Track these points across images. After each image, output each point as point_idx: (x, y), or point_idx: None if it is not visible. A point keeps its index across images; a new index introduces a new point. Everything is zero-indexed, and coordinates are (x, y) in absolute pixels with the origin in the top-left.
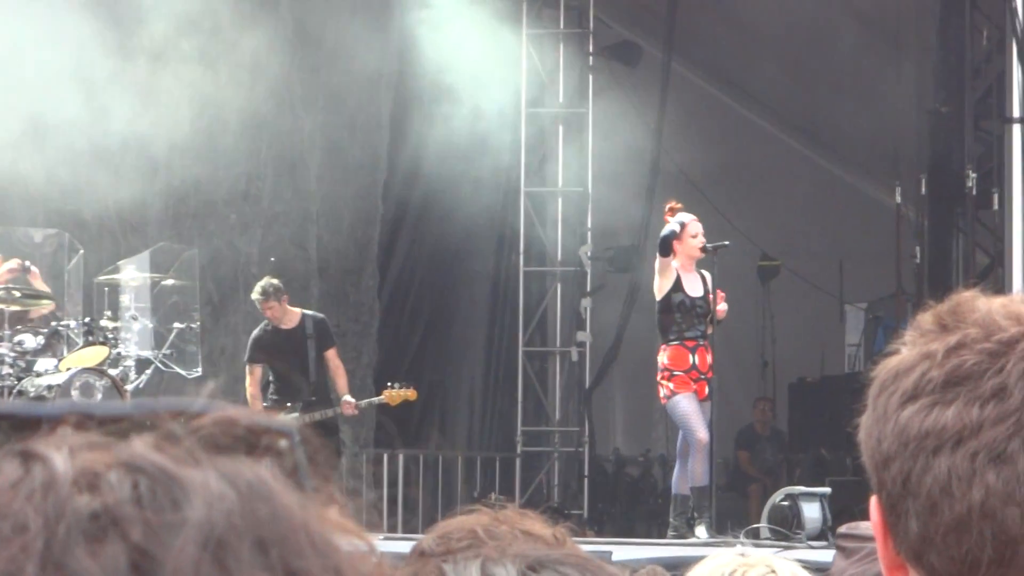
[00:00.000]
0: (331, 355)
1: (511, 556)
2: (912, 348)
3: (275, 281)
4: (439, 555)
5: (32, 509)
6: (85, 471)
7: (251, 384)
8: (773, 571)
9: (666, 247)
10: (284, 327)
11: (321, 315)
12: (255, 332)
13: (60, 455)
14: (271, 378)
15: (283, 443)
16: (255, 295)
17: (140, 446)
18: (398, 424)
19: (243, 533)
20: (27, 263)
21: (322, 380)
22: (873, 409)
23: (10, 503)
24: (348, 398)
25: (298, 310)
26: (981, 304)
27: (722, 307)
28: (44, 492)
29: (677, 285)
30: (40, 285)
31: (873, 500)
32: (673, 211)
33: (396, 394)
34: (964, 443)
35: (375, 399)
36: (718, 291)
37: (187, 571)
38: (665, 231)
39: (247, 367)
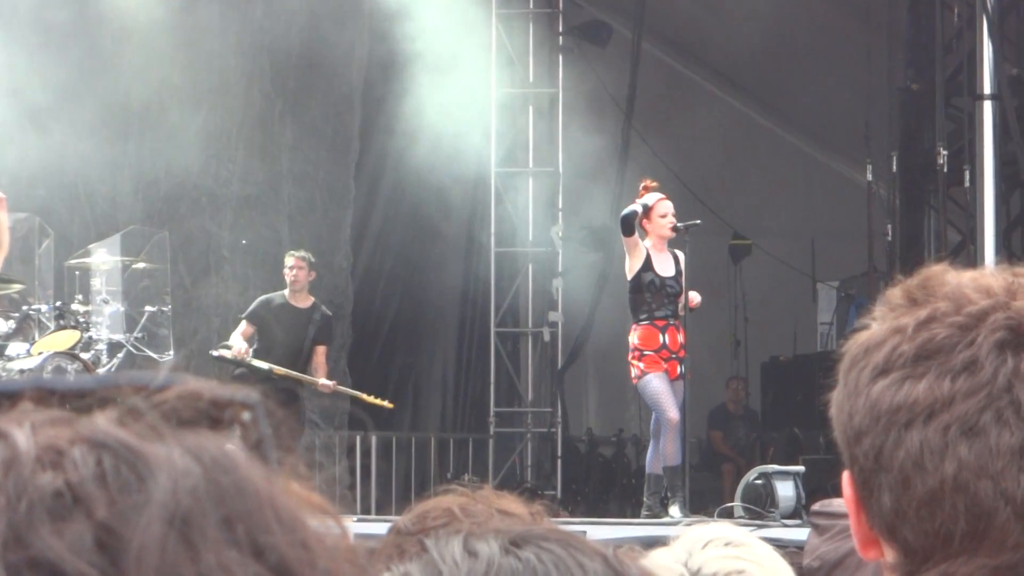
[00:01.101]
0: (321, 351)
1: (493, 531)
2: (882, 323)
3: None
4: (415, 533)
5: None
6: (48, 448)
7: (239, 335)
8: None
9: (628, 227)
10: (295, 304)
11: (330, 313)
12: (267, 295)
13: (22, 432)
14: (257, 344)
15: (246, 415)
16: (296, 252)
17: (103, 422)
18: (371, 406)
19: (208, 509)
20: None
21: (303, 368)
22: (844, 384)
23: None
24: (326, 381)
25: (311, 297)
26: (951, 278)
27: (695, 297)
28: (5, 470)
29: (647, 265)
30: (4, 218)
31: (845, 475)
32: (647, 189)
33: (373, 398)
34: (936, 416)
35: (353, 391)
36: (691, 295)
37: (153, 548)
38: (625, 211)
39: (243, 321)
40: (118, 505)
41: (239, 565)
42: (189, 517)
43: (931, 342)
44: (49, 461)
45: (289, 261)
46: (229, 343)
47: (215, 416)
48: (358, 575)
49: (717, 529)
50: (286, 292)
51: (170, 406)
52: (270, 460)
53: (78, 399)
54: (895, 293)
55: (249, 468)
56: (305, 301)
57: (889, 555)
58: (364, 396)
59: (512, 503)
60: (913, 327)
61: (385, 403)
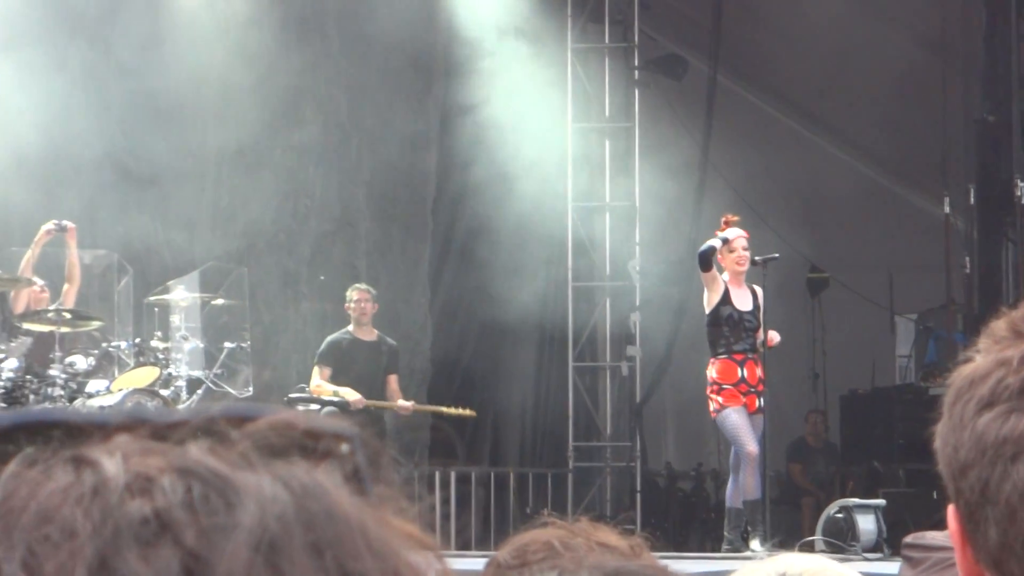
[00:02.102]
0: (393, 380)
1: (588, 567)
2: (987, 355)
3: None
4: (515, 567)
5: (81, 514)
6: (138, 476)
7: (321, 381)
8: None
9: (705, 262)
10: (363, 338)
11: (395, 342)
12: (334, 336)
13: (112, 460)
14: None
15: (344, 447)
16: (360, 285)
17: (194, 451)
18: (450, 442)
19: (296, 535)
20: (63, 222)
21: (381, 399)
22: (949, 417)
23: (59, 508)
24: (404, 403)
25: (375, 329)
26: None
27: (774, 336)
28: (93, 497)
29: (725, 298)
30: (74, 248)
31: (950, 508)
32: (728, 223)
33: (453, 410)
34: None
35: (432, 407)
36: (771, 335)
37: (239, 574)
38: (704, 246)
39: (317, 367)
40: (205, 531)
41: None
42: (276, 543)
43: None
44: (138, 489)
45: (353, 295)
46: (314, 389)
47: (311, 447)
48: None
49: (806, 558)
50: (351, 328)
51: (262, 436)
52: (368, 492)
53: (170, 430)
54: (1000, 325)
55: (340, 496)
56: (371, 334)
57: None
58: (444, 409)
59: (610, 536)
60: (1018, 360)
61: (466, 412)
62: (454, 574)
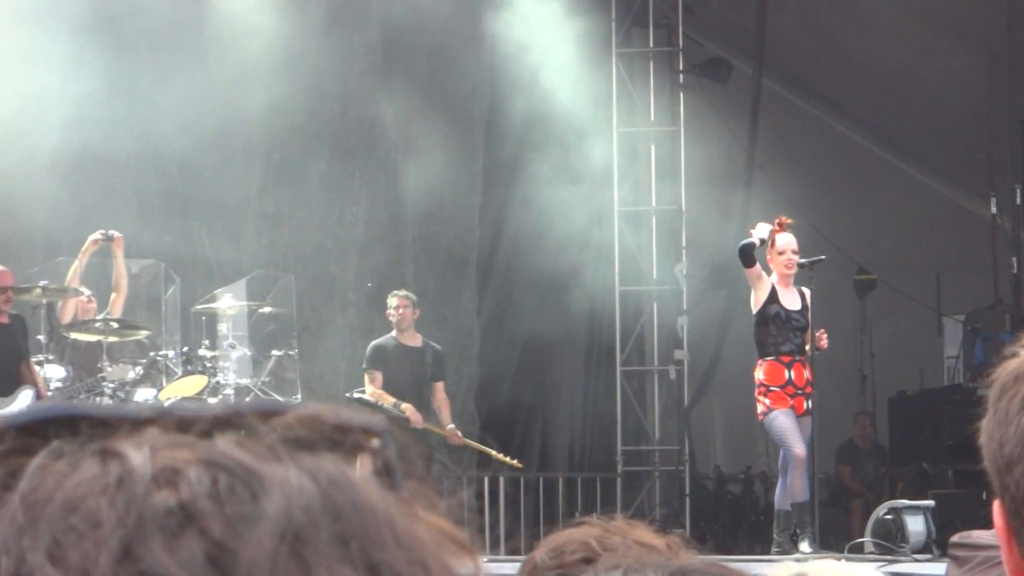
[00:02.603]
0: (439, 387)
1: (652, 565)
2: None
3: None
4: (552, 568)
5: (107, 504)
6: (164, 468)
7: (375, 387)
8: None
9: (746, 257)
10: (407, 343)
11: (440, 347)
12: (378, 341)
13: (139, 452)
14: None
15: (375, 442)
16: (399, 292)
17: (222, 444)
18: (499, 446)
19: (322, 526)
20: (110, 231)
21: (427, 407)
22: (994, 413)
23: (85, 499)
24: (453, 427)
25: (419, 335)
26: None
27: (823, 336)
28: (119, 487)
29: (773, 297)
30: (121, 258)
31: (996, 504)
32: (782, 225)
33: (501, 456)
34: None
35: (483, 447)
36: (821, 334)
37: (264, 564)
38: (743, 242)
39: (367, 373)
40: (231, 521)
41: None
42: (302, 533)
43: None
44: (164, 480)
45: (393, 301)
46: (375, 395)
47: (340, 440)
48: None
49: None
50: (394, 333)
51: (289, 429)
52: (399, 487)
53: (199, 425)
54: None
55: (367, 488)
56: (415, 339)
57: None
58: (492, 452)
59: (647, 534)
60: None
61: (514, 462)
62: (487, 572)
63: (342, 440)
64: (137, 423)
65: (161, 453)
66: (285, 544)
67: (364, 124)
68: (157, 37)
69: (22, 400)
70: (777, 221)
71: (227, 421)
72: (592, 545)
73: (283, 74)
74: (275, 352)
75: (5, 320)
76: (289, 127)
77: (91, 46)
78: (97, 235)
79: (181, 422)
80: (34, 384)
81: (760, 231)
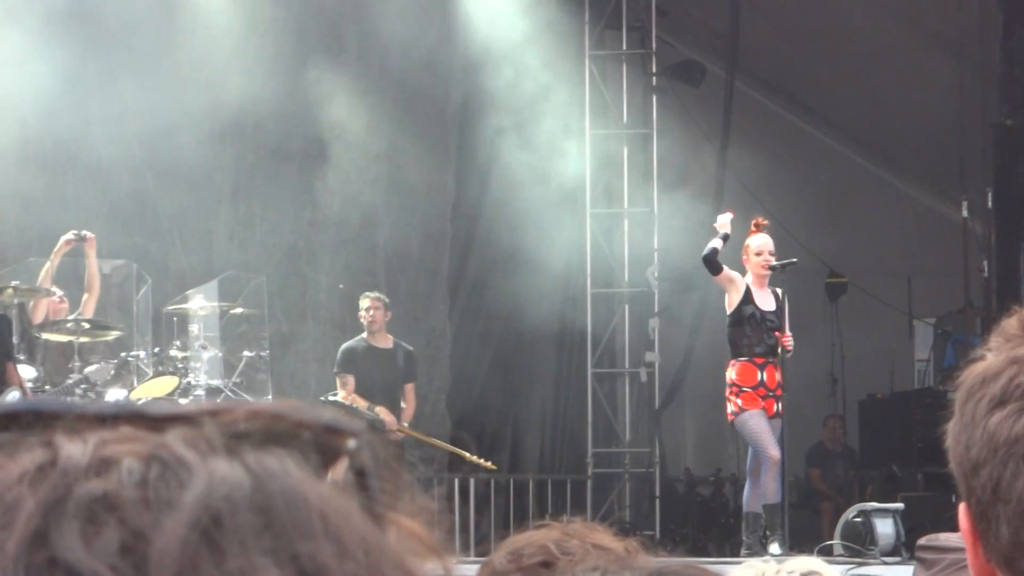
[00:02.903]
0: (410, 388)
1: (632, 567)
2: (998, 353)
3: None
4: (511, 572)
5: (28, 491)
6: (100, 459)
7: (347, 392)
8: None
9: (712, 266)
10: (378, 345)
11: (411, 348)
12: (348, 343)
13: (78, 444)
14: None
15: (350, 443)
16: (371, 293)
17: (169, 438)
18: (469, 449)
19: (244, 515)
20: (83, 232)
21: (397, 407)
22: (960, 415)
23: (10, 486)
24: (405, 424)
25: (390, 336)
26: None
27: (787, 339)
28: (45, 475)
29: (747, 298)
30: (93, 258)
31: (962, 507)
32: (758, 226)
33: (476, 458)
34: None
35: (456, 449)
36: (783, 337)
37: (174, 550)
38: (704, 252)
39: (339, 377)
40: (151, 510)
41: (264, 569)
42: (220, 521)
43: None
44: (96, 470)
45: (364, 303)
46: (346, 402)
47: (310, 440)
48: None
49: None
50: (365, 335)
51: (244, 426)
52: (374, 489)
53: (157, 422)
54: (1011, 323)
55: (305, 482)
56: (386, 341)
57: None
58: (466, 455)
59: (605, 537)
60: None
61: (488, 464)
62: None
63: (312, 440)
64: (99, 419)
65: (104, 446)
66: (198, 531)
67: (336, 126)
68: (129, 35)
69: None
70: (754, 222)
71: (184, 418)
72: (550, 549)
73: (256, 76)
74: (246, 353)
75: None
76: (262, 128)
77: (62, 42)
78: (70, 235)
79: (141, 419)
80: (20, 385)
81: (722, 223)
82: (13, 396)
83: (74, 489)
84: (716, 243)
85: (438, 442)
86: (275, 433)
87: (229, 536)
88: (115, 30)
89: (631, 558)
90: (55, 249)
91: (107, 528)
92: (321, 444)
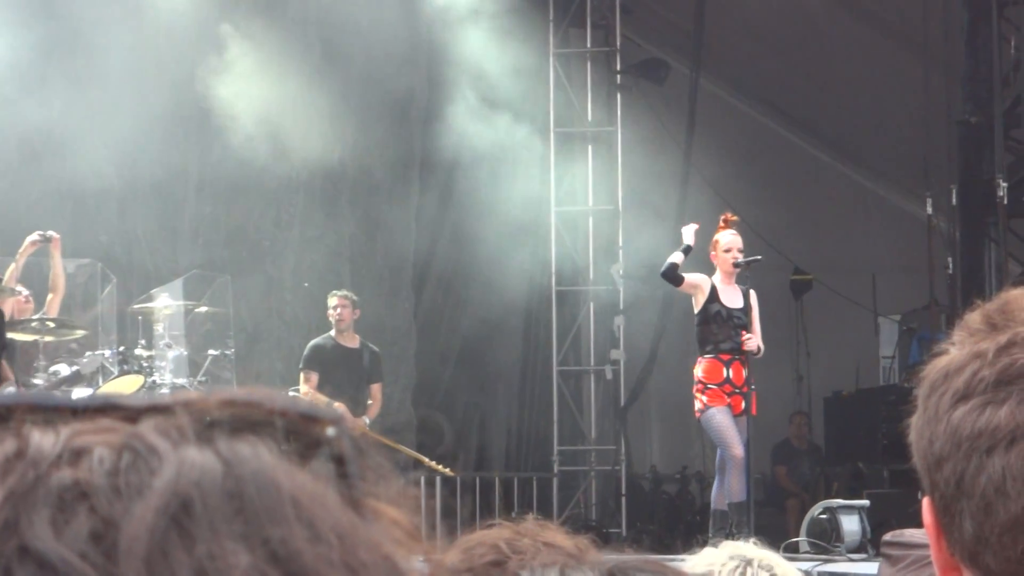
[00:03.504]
0: (376, 388)
1: (590, 563)
2: (961, 347)
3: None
4: (462, 572)
5: None
6: (71, 448)
7: (309, 388)
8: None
9: (672, 280)
10: (345, 344)
11: (377, 349)
12: (316, 340)
13: (50, 435)
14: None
15: (329, 431)
16: (339, 292)
17: (141, 428)
18: (434, 447)
19: (214, 501)
20: (48, 233)
21: (363, 408)
22: (924, 410)
23: None
24: (367, 419)
25: (357, 336)
26: None
27: (749, 340)
28: (15, 465)
29: (714, 296)
30: (58, 258)
31: (925, 501)
32: (727, 222)
33: (435, 464)
34: (1018, 442)
35: (415, 453)
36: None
37: (144, 537)
38: (663, 268)
39: (303, 373)
40: (121, 497)
41: (233, 554)
42: (189, 507)
43: (1012, 367)
44: (68, 460)
45: (333, 301)
46: (308, 396)
47: (288, 429)
48: (395, 574)
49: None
50: (332, 333)
51: (216, 414)
52: (353, 476)
53: (130, 413)
54: (974, 318)
55: (278, 468)
56: (353, 340)
57: None
58: (426, 460)
59: (557, 535)
60: (994, 352)
61: (446, 470)
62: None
63: (288, 428)
64: (73, 412)
65: (77, 436)
66: (167, 517)
67: (299, 124)
68: (93, 29)
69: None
70: (723, 218)
71: (158, 409)
72: (501, 547)
73: (221, 76)
74: (211, 352)
75: None
76: (225, 128)
77: (25, 41)
78: (35, 236)
79: (116, 410)
80: (9, 379)
81: (687, 235)
82: (9, 391)
83: (44, 478)
84: (676, 257)
85: (397, 445)
86: (249, 421)
87: (199, 521)
88: (80, 28)
89: (583, 555)
90: (20, 249)
91: (77, 516)
92: (298, 432)
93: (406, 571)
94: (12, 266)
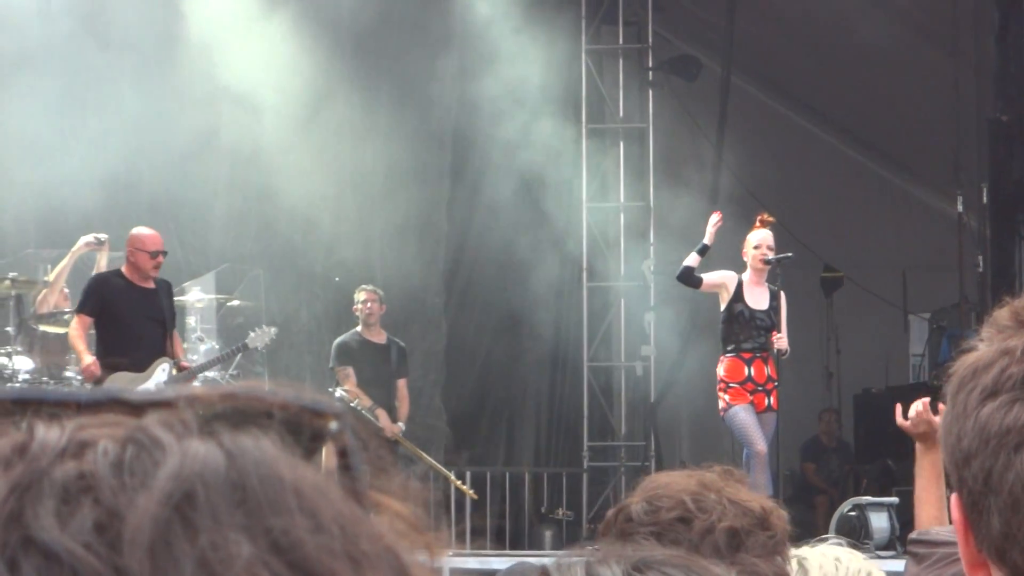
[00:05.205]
0: (402, 384)
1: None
2: (990, 344)
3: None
4: (648, 525)
5: (2, 473)
6: (77, 441)
7: (350, 385)
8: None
9: (690, 284)
10: (372, 340)
11: (403, 344)
12: (342, 338)
13: (56, 428)
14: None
15: (332, 425)
16: (367, 286)
17: (147, 421)
18: (465, 442)
19: (217, 492)
20: (101, 236)
21: (391, 403)
22: (952, 406)
23: None
24: (402, 425)
25: (383, 331)
26: None
27: (780, 341)
28: (20, 457)
29: (739, 295)
30: (103, 260)
31: (953, 498)
32: (763, 222)
33: (459, 484)
34: None
35: (443, 470)
36: (774, 336)
37: (148, 527)
38: (678, 272)
39: (339, 371)
40: (125, 489)
41: (236, 544)
42: (192, 498)
43: None
44: (72, 453)
45: (361, 296)
46: (352, 392)
47: (290, 422)
48: (398, 565)
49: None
50: (359, 329)
51: (220, 408)
52: (357, 470)
53: (139, 407)
54: (1003, 314)
55: (281, 460)
56: (380, 336)
57: None
58: (452, 478)
59: (741, 491)
60: (1022, 349)
61: (470, 492)
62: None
63: (291, 421)
64: (80, 406)
65: (82, 430)
66: (171, 508)
67: (331, 121)
68: (124, 30)
69: (158, 376)
70: (759, 218)
71: (164, 402)
72: (687, 504)
73: (253, 69)
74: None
75: (151, 285)
76: (258, 121)
77: (57, 46)
78: (90, 238)
79: (122, 404)
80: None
81: (710, 226)
82: (163, 369)
83: (49, 470)
84: (691, 260)
85: (427, 458)
86: (252, 414)
87: (202, 512)
88: (112, 27)
89: (767, 517)
90: (73, 248)
91: (82, 507)
92: (302, 425)
93: (408, 562)
94: (63, 264)
